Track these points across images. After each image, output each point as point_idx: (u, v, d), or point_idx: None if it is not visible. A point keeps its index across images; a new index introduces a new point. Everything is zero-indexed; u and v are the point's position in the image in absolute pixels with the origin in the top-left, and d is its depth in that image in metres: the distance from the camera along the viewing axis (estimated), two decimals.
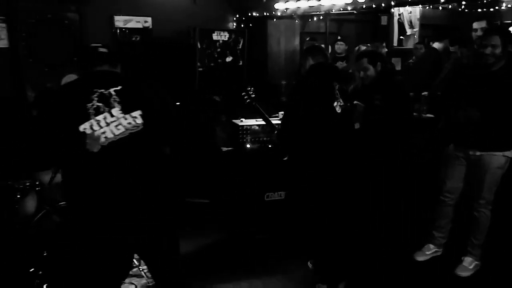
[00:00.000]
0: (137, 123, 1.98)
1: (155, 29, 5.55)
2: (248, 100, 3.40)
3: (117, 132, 1.95)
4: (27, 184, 3.34)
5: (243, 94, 3.40)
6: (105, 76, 2.06)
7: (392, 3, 4.87)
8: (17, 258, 3.11)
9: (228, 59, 6.02)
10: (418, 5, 6.53)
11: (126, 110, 1.97)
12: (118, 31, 5.31)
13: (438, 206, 3.36)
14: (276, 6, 5.85)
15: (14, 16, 4.58)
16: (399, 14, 7.25)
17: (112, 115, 1.96)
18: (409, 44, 7.21)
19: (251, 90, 3.41)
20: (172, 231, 2.21)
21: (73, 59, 4.96)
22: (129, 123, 1.98)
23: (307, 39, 6.66)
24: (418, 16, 7.38)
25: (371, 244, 3.52)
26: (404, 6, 6.47)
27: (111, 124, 1.95)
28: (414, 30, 7.34)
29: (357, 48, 4.75)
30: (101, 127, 1.93)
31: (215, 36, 5.85)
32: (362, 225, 3.51)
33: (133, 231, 2.02)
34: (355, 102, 3.53)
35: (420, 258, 3.42)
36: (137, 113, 1.99)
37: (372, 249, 3.49)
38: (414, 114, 4.37)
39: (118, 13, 5.31)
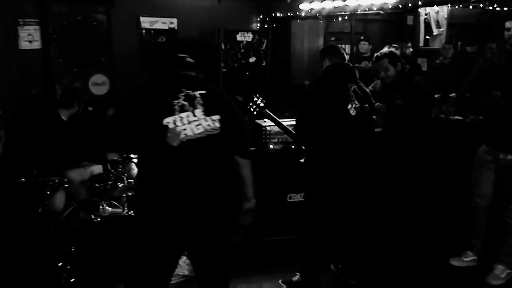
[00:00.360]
0: (216, 126, 2.12)
1: (180, 30, 5.64)
2: (257, 110, 3.24)
3: (196, 132, 2.08)
4: (56, 181, 3.45)
5: (249, 105, 3.23)
6: (192, 79, 2.23)
7: (420, 2, 4.81)
8: (46, 253, 3.23)
9: (252, 59, 6.06)
10: (447, 4, 6.37)
11: (207, 113, 2.11)
12: (144, 32, 5.42)
13: (473, 212, 3.29)
14: (301, 6, 5.85)
15: (47, 18, 4.72)
16: (426, 14, 7.11)
17: (194, 115, 2.09)
18: (436, 44, 7.07)
19: (259, 98, 3.23)
20: (227, 233, 2.27)
21: (101, 60, 5.09)
22: (209, 125, 2.11)
23: (332, 39, 6.64)
24: (446, 15, 7.21)
25: (385, 244, 3.51)
26: (432, 5, 6.35)
27: (192, 123, 2.08)
28: (441, 29, 7.19)
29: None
30: (183, 124, 2.06)
31: (239, 37, 5.89)
32: (369, 225, 3.49)
33: (193, 226, 2.10)
34: (376, 104, 3.51)
35: (456, 263, 3.35)
36: (216, 117, 2.12)
37: (387, 248, 3.48)
38: (442, 116, 4.30)
39: (144, 14, 5.41)
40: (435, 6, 6.60)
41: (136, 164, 3.08)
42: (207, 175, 2.11)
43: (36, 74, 4.86)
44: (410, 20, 7.07)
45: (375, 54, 3.69)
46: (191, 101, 2.10)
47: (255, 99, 3.25)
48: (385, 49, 3.81)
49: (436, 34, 7.16)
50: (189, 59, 2.31)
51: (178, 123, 2.05)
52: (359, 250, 3.23)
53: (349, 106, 2.90)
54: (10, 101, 4.72)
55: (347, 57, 6.18)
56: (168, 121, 2.04)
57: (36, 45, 4.83)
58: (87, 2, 4.96)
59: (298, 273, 3.18)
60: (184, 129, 2.06)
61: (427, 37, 7.18)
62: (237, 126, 2.24)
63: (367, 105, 3.02)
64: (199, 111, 2.10)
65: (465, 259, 3.35)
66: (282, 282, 3.21)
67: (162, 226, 2.09)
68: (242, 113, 2.42)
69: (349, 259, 3.21)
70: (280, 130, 3.48)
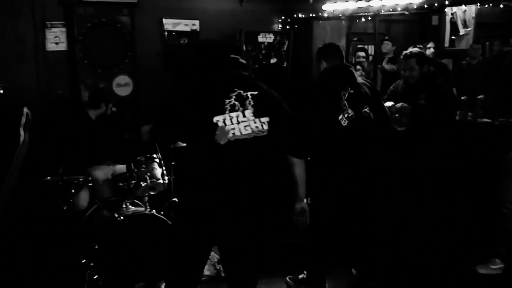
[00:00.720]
0: (264, 129, 2.17)
1: (202, 31, 5.68)
2: None
3: (244, 132, 2.14)
4: (81, 180, 3.52)
5: None
6: (245, 79, 2.27)
7: (446, 2, 4.71)
8: (70, 250, 3.30)
9: (273, 60, 6.06)
10: (476, 3, 6.18)
11: (257, 115, 2.16)
12: (166, 33, 5.48)
13: (501, 219, 3.20)
14: (324, 7, 5.82)
15: (73, 21, 4.83)
16: (452, 13, 6.96)
17: (244, 116, 2.15)
18: (462, 45, 6.92)
19: None
20: (259, 233, 2.29)
21: (125, 61, 5.17)
22: (257, 127, 2.16)
23: (354, 39, 6.58)
24: (474, 15, 7.02)
25: (406, 247, 3.46)
26: (460, 5, 6.19)
27: (241, 123, 2.15)
28: (468, 29, 7.02)
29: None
30: (232, 124, 2.13)
31: (260, 38, 5.90)
32: (388, 228, 3.45)
33: (228, 223, 2.14)
34: (398, 104, 3.45)
35: (484, 271, 3.26)
36: (265, 119, 2.18)
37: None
38: (469, 118, 4.20)
39: (167, 16, 5.47)
40: (463, 5, 6.43)
41: (184, 156, 3.14)
42: (249, 175, 2.15)
43: (62, 75, 4.97)
44: (435, 20, 6.93)
45: (404, 52, 3.63)
46: (242, 101, 2.16)
47: None
48: (415, 49, 3.74)
49: (463, 34, 7.00)
50: (242, 60, 2.34)
51: (228, 122, 2.12)
52: (379, 253, 3.20)
53: (340, 117, 2.81)
54: (38, 101, 4.84)
55: (370, 57, 6.21)
56: (218, 119, 2.11)
57: (62, 46, 4.93)
58: (112, 4, 5.04)
59: (305, 272, 3.19)
60: (233, 129, 2.12)
61: (453, 37, 7.03)
62: (288, 126, 2.27)
63: (366, 108, 2.88)
64: (249, 112, 2.15)
65: (492, 266, 3.25)
66: (289, 278, 3.25)
67: (203, 220, 2.14)
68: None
69: (369, 262, 3.17)
70: None
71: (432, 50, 5.79)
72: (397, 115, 3.40)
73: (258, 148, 2.16)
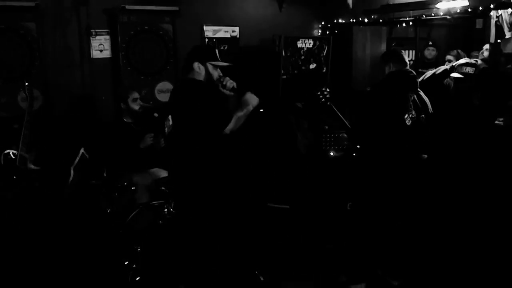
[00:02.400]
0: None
1: (242, 38, 5.72)
2: (322, 100, 3.35)
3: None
4: (124, 184, 3.60)
5: (318, 93, 3.37)
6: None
7: (492, 5, 4.56)
8: (114, 252, 3.37)
9: (312, 66, 6.02)
10: None
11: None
12: (207, 40, 5.55)
13: None
14: (364, 12, 5.75)
15: (116, 29, 4.96)
16: (497, 16, 6.71)
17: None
18: (508, 48, 6.65)
19: (326, 90, 3.37)
20: None
21: (167, 68, 5.26)
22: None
23: (393, 44, 6.46)
24: None
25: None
26: (506, 8, 5.98)
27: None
28: None
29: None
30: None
31: (299, 44, 5.88)
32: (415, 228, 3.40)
33: None
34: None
35: None
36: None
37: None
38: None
39: (208, 23, 5.55)
40: (509, 8, 6.20)
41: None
42: None
43: (105, 81, 5.11)
44: (479, 23, 6.70)
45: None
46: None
47: (324, 89, 3.40)
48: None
49: (509, 38, 6.74)
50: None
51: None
52: (402, 252, 3.15)
53: (406, 116, 2.92)
54: (83, 107, 4.99)
55: (410, 62, 6.07)
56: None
57: (106, 54, 5.08)
58: (154, 12, 5.15)
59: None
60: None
61: (498, 40, 6.77)
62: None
63: (423, 115, 3.02)
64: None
65: None
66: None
67: None
68: (297, 118, 2.70)
69: (392, 261, 3.13)
70: (342, 136, 3.49)
71: (486, 53, 5.58)
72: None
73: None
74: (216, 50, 2.91)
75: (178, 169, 2.82)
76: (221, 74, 2.86)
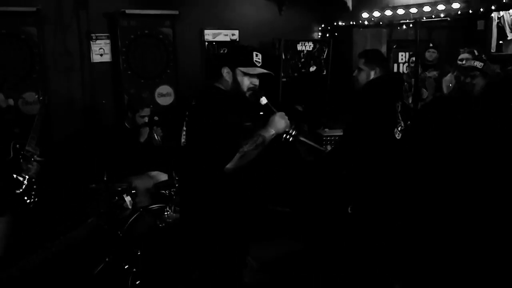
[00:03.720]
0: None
1: (241, 41, 5.72)
2: (290, 140, 2.32)
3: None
4: (124, 187, 3.60)
5: (283, 135, 2.33)
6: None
7: (493, 7, 4.54)
8: (114, 256, 3.36)
9: (312, 68, 6.02)
10: None
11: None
12: (207, 44, 5.56)
13: None
14: (363, 15, 5.75)
15: (117, 33, 4.97)
16: (499, 17, 6.70)
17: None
18: (510, 50, 6.64)
19: (292, 128, 2.33)
20: None
21: (167, 71, 5.27)
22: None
23: (394, 46, 6.45)
24: None
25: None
26: (507, 9, 5.96)
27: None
28: None
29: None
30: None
31: (299, 47, 5.88)
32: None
33: None
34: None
35: None
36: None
37: None
38: None
39: (208, 27, 5.56)
40: (511, 9, 6.18)
41: None
42: None
43: (106, 85, 5.12)
44: (480, 24, 6.70)
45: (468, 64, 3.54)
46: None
47: (289, 130, 2.35)
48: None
49: (511, 39, 6.73)
50: None
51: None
52: (403, 257, 3.12)
53: (395, 130, 2.68)
54: (83, 111, 5.00)
55: (411, 65, 6.06)
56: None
57: (107, 58, 5.09)
58: (154, 17, 5.17)
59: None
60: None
61: (500, 42, 6.76)
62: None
63: (408, 122, 2.80)
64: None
65: None
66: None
67: None
68: (297, 121, 2.40)
69: (392, 263, 3.11)
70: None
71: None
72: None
73: None
74: (255, 54, 2.29)
75: (186, 192, 2.38)
76: (256, 84, 2.31)
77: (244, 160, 2.12)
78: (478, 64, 3.42)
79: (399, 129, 2.71)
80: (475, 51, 4.88)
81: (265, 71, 2.30)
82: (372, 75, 2.79)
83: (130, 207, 3.56)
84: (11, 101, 3.14)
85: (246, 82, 2.28)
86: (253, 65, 2.27)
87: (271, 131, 2.22)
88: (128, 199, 3.57)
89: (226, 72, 2.29)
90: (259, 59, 2.29)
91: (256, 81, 2.30)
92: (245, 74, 2.27)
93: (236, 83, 2.28)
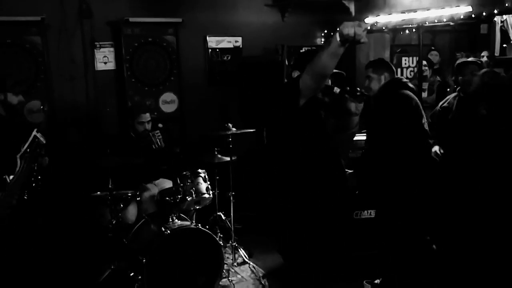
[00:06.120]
0: None
1: (245, 48, 5.74)
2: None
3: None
4: (129, 195, 3.59)
5: None
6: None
7: (495, 11, 4.54)
8: (119, 264, 3.35)
9: None
10: None
11: None
12: (210, 51, 5.58)
13: None
14: (366, 20, 5.75)
15: (120, 41, 5.00)
16: (502, 21, 6.69)
17: None
18: None
19: None
20: None
21: (170, 79, 5.29)
22: None
23: (397, 51, 6.44)
24: None
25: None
26: (511, 13, 5.95)
27: None
28: None
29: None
30: None
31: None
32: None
33: None
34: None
35: None
36: None
37: None
38: None
39: (211, 34, 5.58)
40: None
41: None
42: None
43: (110, 93, 5.14)
44: (483, 28, 6.69)
45: (462, 60, 3.57)
46: None
47: None
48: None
49: None
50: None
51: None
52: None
53: (423, 121, 2.84)
54: (88, 118, 5.02)
55: (414, 69, 6.05)
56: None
57: (111, 66, 5.11)
58: (157, 24, 5.19)
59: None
60: None
61: (504, 45, 6.75)
62: None
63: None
64: None
65: None
66: (366, 282, 3.29)
67: None
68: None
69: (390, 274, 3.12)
70: None
71: (485, 59, 5.57)
72: None
73: None
74: None
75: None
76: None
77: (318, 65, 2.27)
78: (472, 59, 3.47)
79: (427, 121, 2.91)
80: (472, 57, 4.91)
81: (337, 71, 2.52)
82: (383, 80, 2.97)
83: (133, 219, 3.55)
84: (21, 97, 3.15)
85: None
86: None
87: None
88: (132, 211, 3.56)
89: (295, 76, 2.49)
90: None
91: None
92: None
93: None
